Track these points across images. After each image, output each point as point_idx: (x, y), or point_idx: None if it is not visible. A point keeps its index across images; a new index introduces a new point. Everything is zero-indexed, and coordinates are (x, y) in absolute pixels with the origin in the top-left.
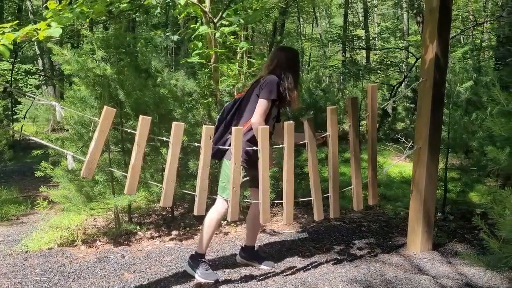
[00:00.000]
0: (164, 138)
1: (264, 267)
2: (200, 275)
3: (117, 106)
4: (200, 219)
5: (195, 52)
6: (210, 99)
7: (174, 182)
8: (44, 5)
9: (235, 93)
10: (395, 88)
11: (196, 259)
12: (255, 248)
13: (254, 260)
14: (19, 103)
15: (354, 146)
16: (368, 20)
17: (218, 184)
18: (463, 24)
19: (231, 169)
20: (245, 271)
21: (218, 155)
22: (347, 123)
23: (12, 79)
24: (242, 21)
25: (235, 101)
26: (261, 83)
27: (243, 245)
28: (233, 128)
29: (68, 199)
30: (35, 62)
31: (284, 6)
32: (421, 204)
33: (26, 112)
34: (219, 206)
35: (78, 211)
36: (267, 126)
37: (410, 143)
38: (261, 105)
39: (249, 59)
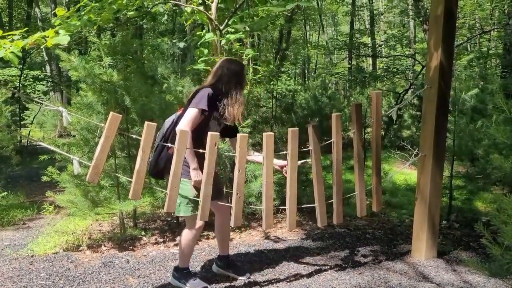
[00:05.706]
0: (169, 144)
1: (236, 276)
2: (190, 286)
3: (123, 112)
4: (205, 224)
5: (201, 59)
6: None
7: (178, 188)
8: (53, 12)
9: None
10: (401, 95)
11: (181, 271)
12: (230, 257)
13: (229, 269)
14: (27, 109)
15: (358, 152)
16: (375, 28)
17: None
18: (469, 31)
19: (235, 175)
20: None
21: (160, 173)
22: (352, 130)
23: (20, 85)
24: (248, 28)
25: (176, 116)
26: (192, 94)
27: (218, 255)
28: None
29: (74, 204)
30: (43, 68)
31: (289, 14)
32: (426, 212)
33: (33, 118)
34: (189, 226)
35: (84, 216)
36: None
37: (416, 151)
38: (187, 113)
39: (254, 66)
